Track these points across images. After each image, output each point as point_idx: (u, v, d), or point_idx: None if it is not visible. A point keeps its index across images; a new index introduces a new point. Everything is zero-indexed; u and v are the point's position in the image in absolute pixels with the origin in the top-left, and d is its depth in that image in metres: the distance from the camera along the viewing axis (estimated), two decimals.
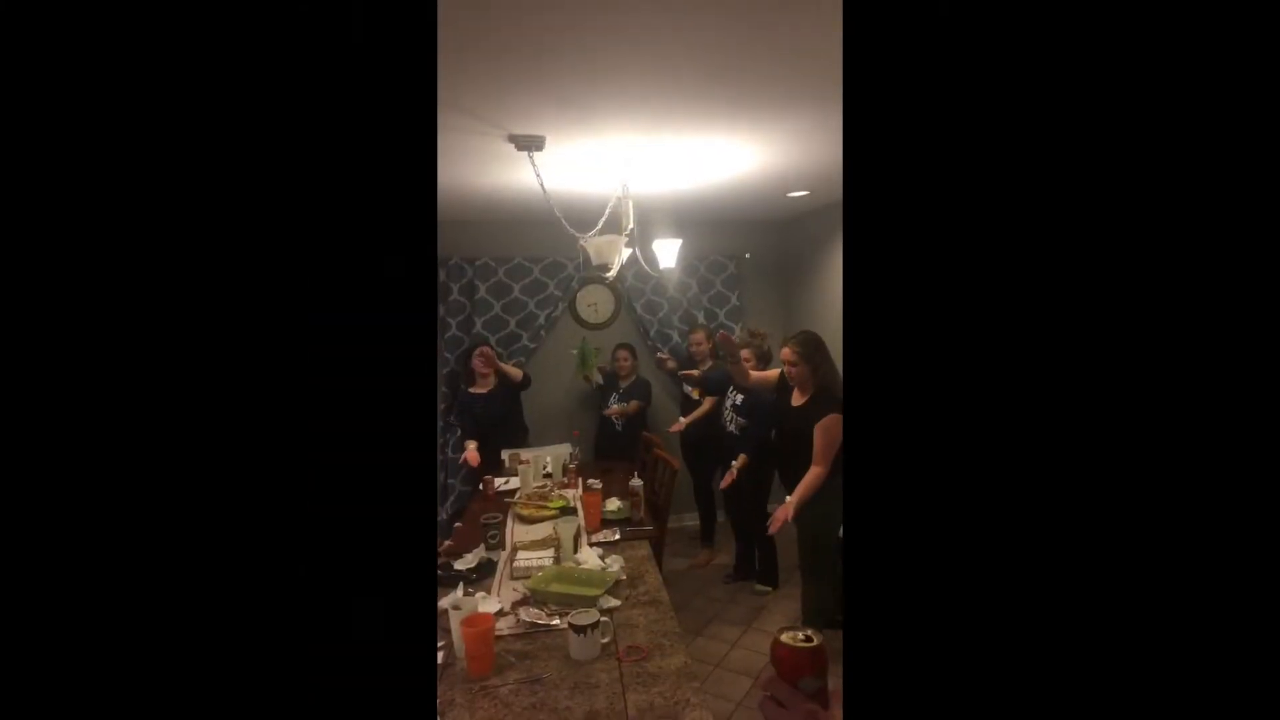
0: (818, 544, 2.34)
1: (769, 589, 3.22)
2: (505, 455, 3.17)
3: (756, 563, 3.29)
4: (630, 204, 2.59)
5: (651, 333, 4.10)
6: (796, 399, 2.39)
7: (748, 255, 4.20)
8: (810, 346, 2.32)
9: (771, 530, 2.35)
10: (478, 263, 3.83)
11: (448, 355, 3.77)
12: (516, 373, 3.49)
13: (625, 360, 3.72)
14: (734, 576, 3.38)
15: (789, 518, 2.24)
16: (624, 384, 3.73)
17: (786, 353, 2.35)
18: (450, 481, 3.79)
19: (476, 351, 3.39)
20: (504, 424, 3.44)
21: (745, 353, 2.81)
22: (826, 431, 2.22)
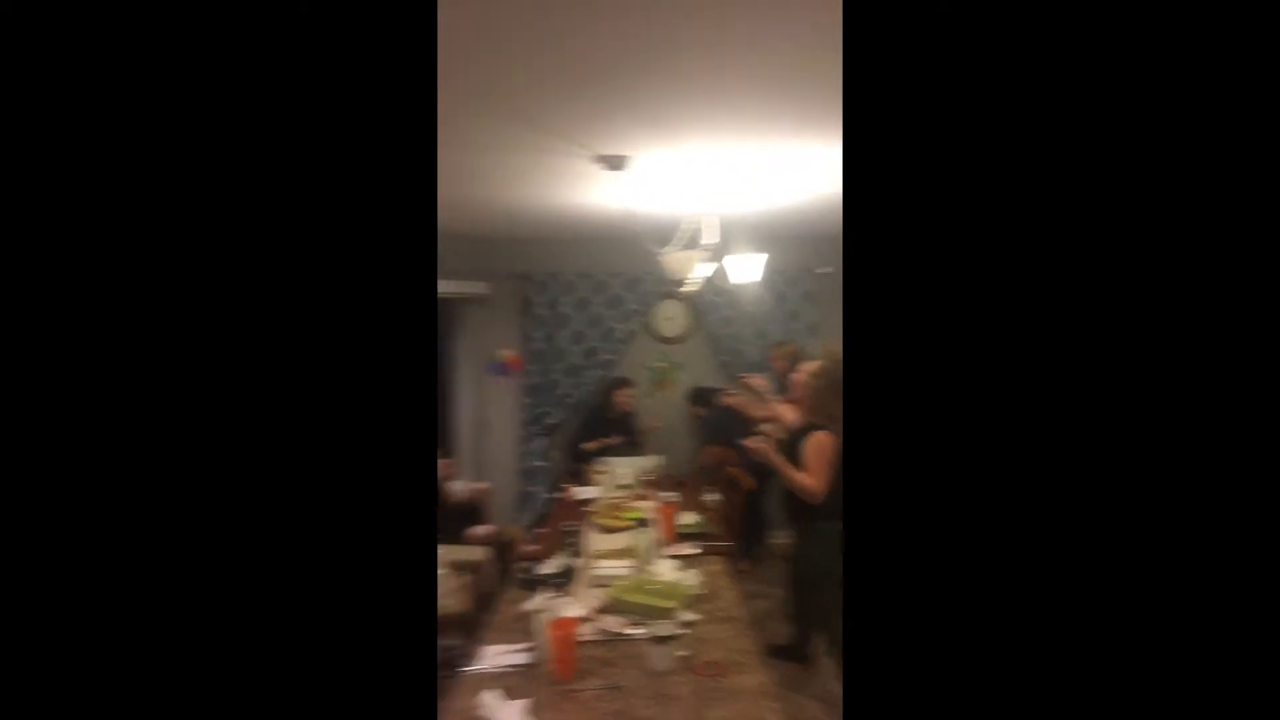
0: (817, 589, 2.25)
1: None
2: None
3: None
4: (711, 218, 2.62)
5: (726, 349, 4.10)
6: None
7: (830, 270, 4.13)
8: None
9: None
10: (559, 278, 3.96)
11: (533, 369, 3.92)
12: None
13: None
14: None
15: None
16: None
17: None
18: (529, 490, 3.92)
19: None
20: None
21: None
22: (819, 448, 2.17)
